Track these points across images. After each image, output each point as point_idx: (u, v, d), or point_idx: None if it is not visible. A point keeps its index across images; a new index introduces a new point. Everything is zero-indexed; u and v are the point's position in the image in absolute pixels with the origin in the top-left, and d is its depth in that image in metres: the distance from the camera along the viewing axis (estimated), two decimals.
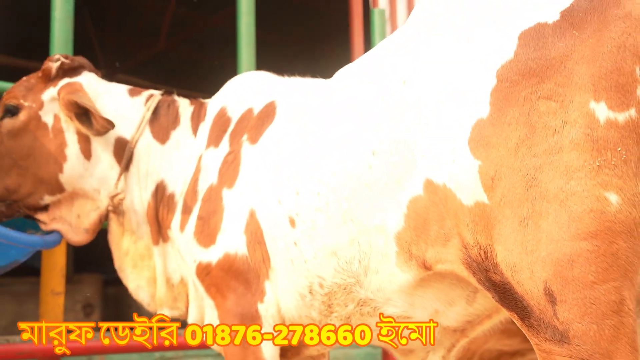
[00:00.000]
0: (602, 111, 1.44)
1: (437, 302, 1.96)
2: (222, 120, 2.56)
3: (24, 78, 2.66)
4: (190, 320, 2.60)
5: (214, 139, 2.53)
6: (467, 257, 1.65)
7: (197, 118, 2.68)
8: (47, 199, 2.57)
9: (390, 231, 1.84)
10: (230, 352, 2.26)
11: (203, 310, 2.52)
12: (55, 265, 3.37)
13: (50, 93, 2.61)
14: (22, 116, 2.55)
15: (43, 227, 2.61)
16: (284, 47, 10.25)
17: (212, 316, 2.41)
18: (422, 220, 1.75)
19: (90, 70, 2.77)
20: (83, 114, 2.53)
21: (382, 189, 1.83)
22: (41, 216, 2.61)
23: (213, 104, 2.68)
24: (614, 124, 1.44)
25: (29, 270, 10.15)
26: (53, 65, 2.63)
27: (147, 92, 2.78)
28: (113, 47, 9.82)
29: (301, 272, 2.11)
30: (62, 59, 2.65)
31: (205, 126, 2.62)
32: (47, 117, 2.57)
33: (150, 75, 10.59)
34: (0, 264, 2.54)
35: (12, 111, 2.55)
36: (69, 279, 8.44)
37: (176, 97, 2.79)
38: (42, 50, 3.37)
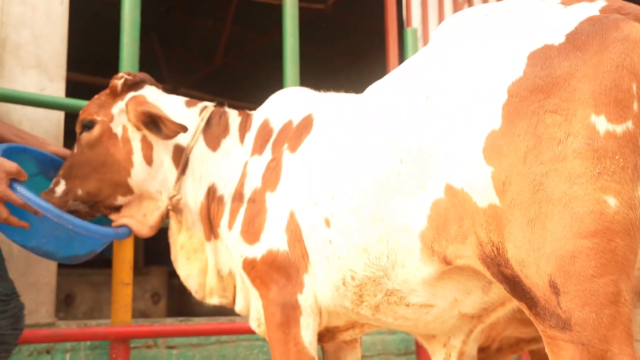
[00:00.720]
0: (602, 123, 1.46)
1: (457, 291, 1.98)
2: (265, 130, 2.60)
3: (95, 96, 2.75)
4: (237, 308, 2.65)
5: (258, 147, 2.57)
6: (482, 253, 1.67)
7: (244, 128, 2.72)
8: (121, 200, 2.65)
9: (415, 230, 1.87)
10: (274, 337, 2.30)
11: (249, 299, 2.58)
12: (125, 259, 3.46)
13: (118, 106, 2.67)
14: (96, 129, 2.63)
15: (115, 224, 2.69)
16: (329, 61, 10.31)
17: (257, 305, 2.47)
18: (443, 221, 1.77)
19: (151, 84, 2.83)
20: (151, 122, 2.59)
21: (408, 193, 1.86)
22: (114, 216, 2.70)
23: (258, 116, 2.72)
24: (612, 135, 1.45)
25: (105, 262, 10.43)
26: (118, 83, 2.71)
27: (201, 104, 2.82)
28: (177, 65, 10.02)
29: (335, 266, 2.14)
30: (126, 76, 2.73)
31: (251, 135, 2.66)
32: (117, 129, 2.64)
33: (209, 89, 10.76)
34: (80, 253, 2.64)
35: (89, 126, 2.64)
36: (139, 270, 8.66)
37: (226, 109, 2.83)
38: (116, 69, 3.49)
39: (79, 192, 2.62)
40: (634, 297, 1.68)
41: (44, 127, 3.56)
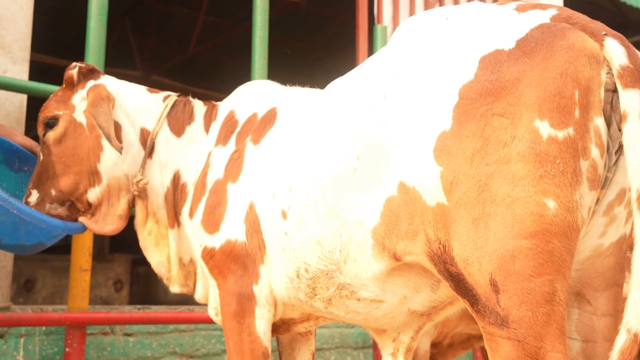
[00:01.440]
0: (545, 128, 1.51)
1: (406, 289, 2.01)
2: (230, 121, 2.63)
3: (52, 95, 2.73)
4: (196, 296, 2.68)
5: (223, 138, 2.59)
6: (430, 251, 1.70)
7: (209, 117, 2.75)
8: (91, 193, 2.59)
9: (367, 226, 1.90)
10: (228, 326, 2.33)
11: (208, 287, 2.60)
12: (84, 245, 3.46)
13: (79, 96, 2.66)
14: (61, 124, 2.60)
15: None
16: (305, 54, 10.33)
17: (215, 294, 2.49)
18: (395, 218, 1.81)
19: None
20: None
21: (363, 189, 1.89)
22: (84, 216, 2.63)
23: (223, 107, 2.74)
24: (554, 140, 1.50)
25: (68, 248, 10.33)
26: (73, 72, 2.69)
27: (164, 92, 2.84)
28: (149, 52, 9.94)
29: (290, 258, 2.17)
30: (79, 64, 2.72)
31: (216, 125, 2.68)
32: (81, 118, 2.62)
33: (181, 78, 10.69)
34: (26, 243, 2.56)
35: (52, 123, 2.61)
36: (103, 257, 8.61)
37: (191, 98, 2.86)
38: (83, 53, 3.48)
39: (53, 192, 2.57)
40: (570, 297, 1.74)
41: (5, 110, 3.53)
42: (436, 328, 3.23)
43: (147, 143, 2.66)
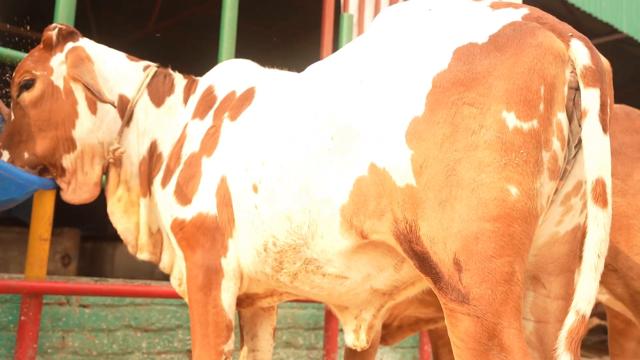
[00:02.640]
0: (511, 120, 1.62)
1: (370, 266, 2.10)
2: (209, 97, 2.66)
3: (27, 55, 2.66)
4: (161, 265, 2.71)
5: (201, 112, 2.63)
6: (397, 230, 1.79)
7: (188, 90, 2.77)
8: (65, 158, 2.58)
9: (336, 204, 1.98)
10: (194, 297, 2.38)
11: (174, 257, 2.64)
12: (45, 214, 3.44)
13: (57, 58, 2.63)
14: (38, 86, 2.56)
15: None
16: (264, 38, 10.31)
17: (181, 265, 2.53)
18: (363, 197, 1.89)
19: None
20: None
21: (335, 169, 1.97)
22: (60, 180, 2.63)
23: (203, 82, 2.77)
24: (519, 131, 1.61)
25: (15, 221, 10.10)
26: (53, 34, 2.64)
27: (144, 62, 2.84)
28: (107, 26, 9.77)
29: (259, 232, 2.23)
30: (59, 26, 2.66)
31: (194, 99, 2.71)
32: (58, 81, 2.59)
33: (138, 54, 10.54)
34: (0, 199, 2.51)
35: (28, 84, 2.56)
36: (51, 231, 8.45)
37: (171, 71, 2.86)
38: (49, 23, 3.44)
39: (26, 155, 2.54)
40: (527, 280, 1.86)
41: None
42: (387, 310, 3.33)
43: (126, 111, 2.66)
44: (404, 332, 3.55)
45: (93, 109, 2.61)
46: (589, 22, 7.77)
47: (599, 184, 1.59)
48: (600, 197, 1.59)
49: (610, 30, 8.05)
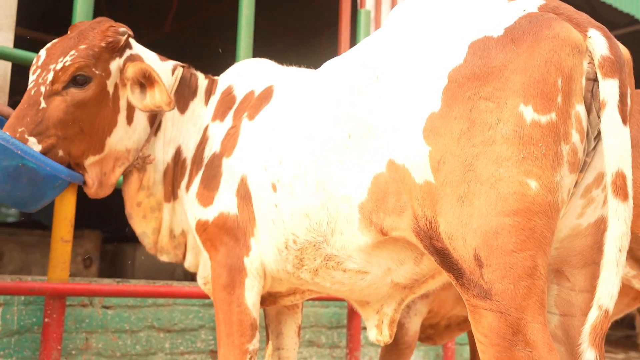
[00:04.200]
0: (529, 113, 1.62)
1: (390, 261, 2.12)
2: (228, 97, 2.68)
3: (84, 45, 2.48)
4: (186, 265, 2.75)
5: (221, 114, 2.65)
6: (417, 227, 1.80)
7: (209, 92, 2.77)
8: (90, 159, 2.54)
9: (355, 201, 1.99)
10: (219, 296, 2.41)
11: (199, 257, 2.68)
12: (66, 216, 3.49)
13: (116, 63, 2.54)
14: (93, 87, 2.45)
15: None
16: (282, 36, 10.34)
17: (205, 265, 2.58)
18: (382, 194, 1.90)
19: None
20: (139, 85, 2.52)
21: (352, 166, 1.99)
22: (87, 176, 2.57)
23: (222, 81, 2.78)
24: (537, 124, 1.61)
25: (36, 224, 10.23)
26: (122, 38, 2.53)
27: (172, 62, 2.78)
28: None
29: (279, 230, 2.26)
30: (128, 32, 2.58)
31: (214, 100, 2.72)
32: (111, 87, 2.53)
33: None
34: (28, 194, 2.40)
35: (84, 81, 2.44)
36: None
37: (193, 70, 2.83)
38: (63, 25, 3.48)
39: (61, 153, 2.43)
40: (550, 273, 1.86)
41: None
42: (432, 310, 3.34)
43: (156, 121, 2.65)
44: (452, 331, 3.56)
45: (130, 120, 2.60)
46: (607, 12, 7.69)
47: (619, 177, 1.58)
48: (620, 190, 1.58)
49: (630, 20, 7.97)
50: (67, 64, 2.42)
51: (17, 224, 12.58)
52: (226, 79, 2.80)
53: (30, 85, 2.47)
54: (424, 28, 1.87)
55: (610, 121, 1.60)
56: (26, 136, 2.35)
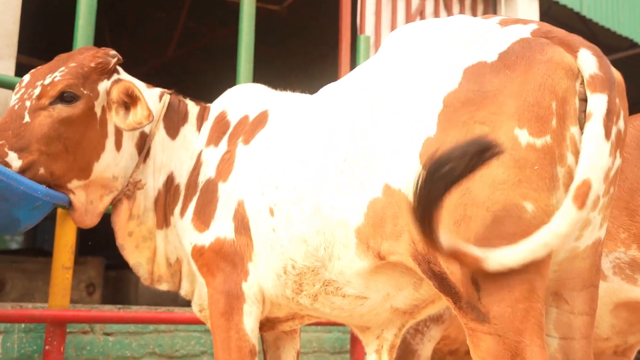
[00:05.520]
0: (524, 136, 1.63)
1: (389, 286, 2.11)
2: (222, 122, 2.67)
3: (74, 64, 2.48)
4: (182, 292, 2.73)
5: (215, 139, 2.64)
6: (415, 251, 1.80)
7: (201, 118, 2.76)
8: (74, 183, 2.48)
9: (351, 226, 1.99)
10: (216, 323, 2.38)
11: (194, 284, 2.66)
12: (67, 243, 3.50)
13: (104, 85, 2.52)
14: (80, 105, 2.42)
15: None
16: (281, 62, 10.42)
17: (202, 291, 2.55)
18: (379, 219, 1.90)
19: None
20: (123, 106, 2.51)
21: (348, 191, 1.99)
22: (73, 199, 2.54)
23: (215, 107, 2.78)
24: (532, 147, 1.62)
25: (40, 251, 10.22)
26: (112, 61, 2.53)
27: (158, 89, 2.78)
28: (126, 55, 9.93)
29: (277, 255, 2.25)
30: (118, 56, 2.58)
31: (207, 126, 2.72)
32: (98, 109, 2.50)
33: (157, 83, 10.69)
34: (3, 217, 2.30)
35: (71, 99, 2.41)
36: (74, 260, 8.53)
37: (182, 97, 2.84)
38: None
39: (42, 171, 2.36)
40: (549, 297, 1.86)
41: None
42: (449, 336, 3.32)
43: (145, 147, 2.64)
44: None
45: (119, 145, 2.58)
46: (607, 37, 7.75)
47: (585, 185, 1.57)
48: (579, 198, 1.57)
49: (630, 44, 8.01)
50: (56, 79, 2.41)
51: (20, 251, 12.57)
52: (219, 104, 2.79)
53: (12, 103, 2.44)
54: (419, 53, 1.89)
55: (593, 132, 1.60)
56: (6, 149, 2.29)
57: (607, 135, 1.61)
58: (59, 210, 3.50)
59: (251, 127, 2.53)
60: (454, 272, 1.68)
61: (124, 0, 8.89)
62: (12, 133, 2.32)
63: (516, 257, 1.57)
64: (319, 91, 2.39)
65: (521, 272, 1.60)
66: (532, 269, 1.61)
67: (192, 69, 10.62)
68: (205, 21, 9.27)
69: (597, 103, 1.62)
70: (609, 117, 1.61)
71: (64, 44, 4.08)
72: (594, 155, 1.59)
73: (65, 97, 2.40)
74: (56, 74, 2.43)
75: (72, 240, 3.51)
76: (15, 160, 2.30)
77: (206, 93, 3.90)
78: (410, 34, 2.00)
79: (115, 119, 2.51)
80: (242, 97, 2.75)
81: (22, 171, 2.30)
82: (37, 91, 2.40)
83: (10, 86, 3.48)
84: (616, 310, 2.55)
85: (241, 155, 2.48)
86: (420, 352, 3.21)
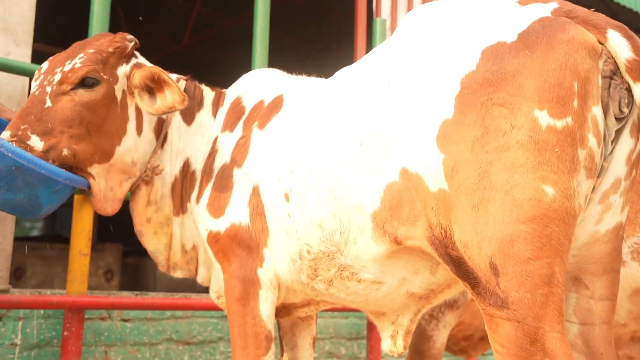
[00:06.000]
0: (544, 118, 1.59)
1: (405, 271, 2.09)
2: (237, 107, 2.67)
3: (92, 50, 2.51)
4: (199, 279, 2.74)
5: (230, 125, 2.64)
6: (432, 236, 1.78)
7: (217, 103, 2.76)
8: (95, 168, 2.50)
9: (367, 210, 1.97)
10: (233, 309, 2.39)
11: (211, 270, 2.67)
12: (84, 229, 3.51)
13: (123, 69, 2.55)
14: (101, 89, 2.45)
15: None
16: (298, 48, 10.38)
17: (218, 277, 2.55)
18: (396, 203, 1.88)
19: None
20: (148, 90, 2.53)
21: (364, 174, 1.96)
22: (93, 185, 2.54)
23: (231, 93, 2.78)
24: (553, 129, 1.59)
25: (58, 238, 10.31)
26: (129, 45, 2.56)
27: (174, 75, 2.77)
28: (142, 42, 9.93)
29: (293, 240, 2.24)
30: (135, 40, 2.60)
31: (223, 111, 2.72)
32: (118, 92, 2.53)
33: (173, 69, 10.70)
34: (25, 199, 2.30)
35: (92, 83, 2.44)
36: (92, 247, 8.62)
37: (197, 83, 2.84)
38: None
39: (65, 152, 2.38)
40: (569, 281, 1.82)
41: (7, 93, 3.58)
42: (463, 322, 3.31)
43: (162, 133, 2.65)
44: (486, 343, 3.51)
45: (139, 130, 2.59)
46: (628, 16, 7.61)
47: None
48: None
49: None
50: (76, 66, 2.44)
51: (39, 237, 12.70)
52: (235, 90, 2.79)
53: (33, 90, 2.47)
54: (436, 34, 1.86)
55: None
56: (29, 133, 2.33)
57: None
58: (76, 197, 3.51)
59: (266, 111, 2.52)
60: (471, 256, 1.66)
61: None
62: (35, 117, 2.36)
63: None
64: (334, 75, 2.37)
65: (540, 257, 1.57)
66: (551, 253, 1.58)
67: (208, 55, 10.61)
68: (220, 7, 9.24)
69: None
70: None
71: (80, 31, 4.08)
72: None
73: (86, 83, 2.43)
74: (76, 60, 2.45)
75: (89, 226, 3.52)
76: (37, 143, 2.33)
77: (221, 80, 3.88)
78: (426, 15, 1.97)
79: (140, 103, 2.53)
80: (258, 82, 2.74)
81: (46, 151, 2.33)
82: (57, 77, 2.43)
83: (26, 73, 3.49)
84: (634, 296, 2.51)
85: (256, 140, 2.46)
86: (436, 338, 3.20)
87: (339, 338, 4.68)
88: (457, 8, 1.88)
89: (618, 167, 1.69)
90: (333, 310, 4.24)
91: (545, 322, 1.57)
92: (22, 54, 3.69)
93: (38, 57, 3.87)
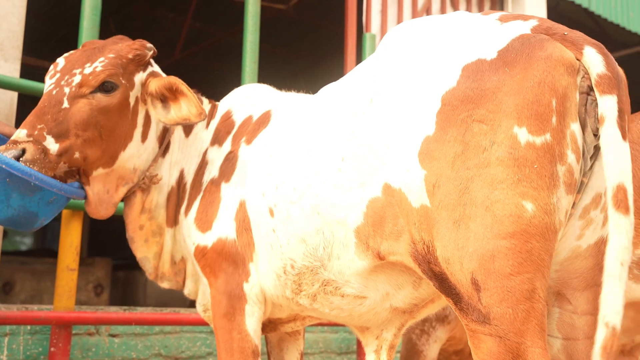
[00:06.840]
0: (523, 135, 1.61)
1: (388, 285, 2.10)
2: (227, 122, 2.70)
3: (112, 54, 2.54)
4: (185, 292, 2.74)
5: (220, 138, 2.66)
6: (415, 251, 1.79)
7: (211, 115, 2.79)
8: (99, 171, 2.52)
9: (350, 225, 1.99)
10: (219, 324, 2.39)
11: (198, 284, 2.67)
12: (72, 244, 3.51)
13: (140, 77, 2.58)
14: (118, 95, 2.48)
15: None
16: (289, 62, 10.43)
17: (205, 291, 2.56)
18: (379, 218, 1.90)
19: None
20: (162, 100, 2.56)
21: (346, 190, 1.98)
22: (88, 189, 2.55)
23: (222, 106, 2.81)
24: (532, 146, 1.61)
25: (47, 252, 10.27)
26: (148, 53, 2.59)
27: None
28: None
29: (277, 255, 2.25)
30: (154, 49, 2.63)
31: (214, 124, 2.74)
32: (132, 99, 2.54)
33: None
34: (19, 210, 2.30)
35: (110, 88, 2.47)
36: (82, 261, 8.59)
37: (199, 95, 2.81)
38: None
39: (77, 155, 2.40)
40: (552, 297, 1.84)
41: None
42: (454, 337, 3.31)
43: (164, 141, 2.67)
44: None
45: (144, 137, 2.61)
46: (616, 33, 7.68)
47: (620, 191, 1.56)
48: (621, 204, 1.55)
49: (639, 40, 7.94)
50: (97, 69, 2.46)
51: (29, 252, 12.64)
52: (226, 103, 2.81)
53: (49, 87, 2.48)
54: (418, 51, 1.88)
55: (610, 137, 1.58)
56: (44, 133, 2.34)
57: (624, 136, 1.59)
58: (64, 212, 3.51)
59: (254, 127, 2.55)
60: (453, 272, 1.67)
61: (131, 2, 8.92)
62: (51, 118, 2.38)
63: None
64: (319, 91, 2.39)
65: (521, 273, 1.59)
66: (531, 269, 1.60)
67: (199, 68, 10.65)
68: (212, 21, 9.29)
69: (609, 104, 1.59)
70: (622, 117, 1.59)
71: (70, 45, 4.09)
72: (619, 160, 1.57)
73: (105, 87, 2.46)
74: (96, 64, 2.48)
75: (77, 241, 3.52)
76: (52, 144, 2.35)
77: (213, 93, 3.89)
78: (409, 31, 1.99)
79: (153, 112, 2.57)
80: (247, 97, 2.77)
81: (59, 155, 2.36)
82: (77, 79, 2.45)
83: (15, 88, 3.49)
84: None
85: (244, 155, 2.48)
86: (426, 353, 3.20)
87: (328, 353, 4.67)
88: (439, 24, 1.91)
89: (598, 182, 1.71)
90: (323, 324, 4.25)
91: (527, 337, 1.58)
92: (11, 69, 3.70)
93: (27, 71, 3.88)
